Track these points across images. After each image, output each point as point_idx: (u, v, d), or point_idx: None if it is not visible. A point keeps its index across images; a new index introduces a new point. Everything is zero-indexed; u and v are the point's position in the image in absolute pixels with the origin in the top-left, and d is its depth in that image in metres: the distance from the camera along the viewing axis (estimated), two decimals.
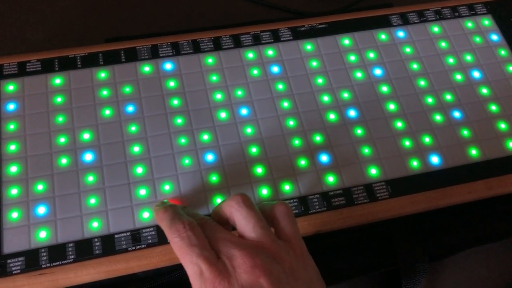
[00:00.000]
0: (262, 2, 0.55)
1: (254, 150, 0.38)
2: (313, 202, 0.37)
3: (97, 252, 0.34)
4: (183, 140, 0.38)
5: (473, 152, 0.40)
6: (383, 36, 0.45)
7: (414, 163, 0.39)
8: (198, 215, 0.31)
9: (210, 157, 0.38)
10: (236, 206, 0.29)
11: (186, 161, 0.37)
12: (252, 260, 0.26)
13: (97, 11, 0.54)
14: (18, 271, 0.33)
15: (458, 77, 0.44)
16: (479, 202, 0.40)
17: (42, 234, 0.34)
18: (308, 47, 0.44)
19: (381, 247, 0.39)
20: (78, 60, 0.41)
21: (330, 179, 0.38)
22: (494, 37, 0.47)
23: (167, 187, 0.36)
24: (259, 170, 0.38)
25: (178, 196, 0.36)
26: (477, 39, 0.46)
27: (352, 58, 0.44)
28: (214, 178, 0.37)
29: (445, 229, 0.40)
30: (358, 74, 0.43)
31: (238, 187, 0.37)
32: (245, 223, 0.29)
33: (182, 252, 0.27)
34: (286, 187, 0.37)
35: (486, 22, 0.48)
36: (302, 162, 0.38)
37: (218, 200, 0.36)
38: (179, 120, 0.39)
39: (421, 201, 0.38)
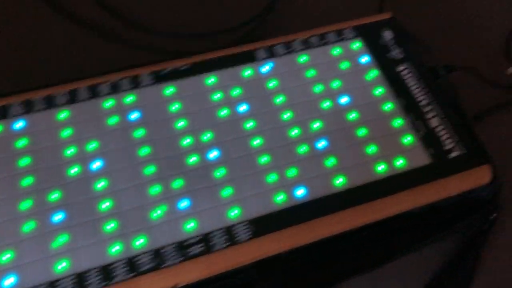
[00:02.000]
0: (131, 44, 0.54)
1: (106, 204, 0.37)
2: (166, 254, 0.35)
3: None
4: (25, 204, 0.36)
5: (340, 180, 0.39)
6: (247, 72, 0.45)
7: (280, 198, 0.38)
8: None
9: (58, 217, 0.36)
10: None
11: (29, 226, 0.35)
12: None
13: None
14: None
15: (326, 104, 0.44)
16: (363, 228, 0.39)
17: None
18: (170, 90, 0.43)
19: None
20: None
21: (189, 225, 0.36)
22: (365, 59, 0.47)
23: None
24: (111, 225, 0.36)
25: None
26: (345, 64, 0.46)
27: (217, 96, 0.43)
28: (61, 239, 0.35)
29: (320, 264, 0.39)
30: (223, 113, 0.42)
31: (86, 247, 0.35)
32: None
33: None
34: (141, 241, 0.36)
35: (356, 45, 0.48)
36: (159, 212, 0.37)
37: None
38: (27, 181, 0.37)
39: (287, 237, 0.37)
